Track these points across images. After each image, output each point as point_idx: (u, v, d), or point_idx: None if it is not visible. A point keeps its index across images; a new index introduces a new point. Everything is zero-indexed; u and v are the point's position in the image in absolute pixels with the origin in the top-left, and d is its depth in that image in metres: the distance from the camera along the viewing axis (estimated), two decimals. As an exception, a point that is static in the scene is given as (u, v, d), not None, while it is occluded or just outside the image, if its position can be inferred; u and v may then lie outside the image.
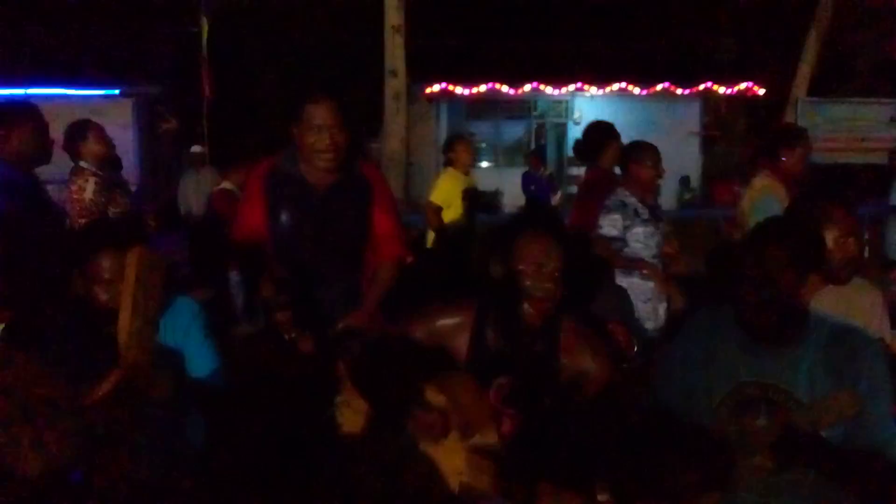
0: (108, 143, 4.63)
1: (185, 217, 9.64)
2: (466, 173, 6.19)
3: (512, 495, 1.88)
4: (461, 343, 2.23)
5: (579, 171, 16.72)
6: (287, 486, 2.30)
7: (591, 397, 2.19)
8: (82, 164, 4.41)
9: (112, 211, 4.44)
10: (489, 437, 1.95)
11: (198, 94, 12.96)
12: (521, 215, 2.53)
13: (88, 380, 1.80)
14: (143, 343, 1.84)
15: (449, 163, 6.18)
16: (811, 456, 1.83)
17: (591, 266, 3.29)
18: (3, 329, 2.42)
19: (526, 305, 2.15)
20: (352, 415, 1.99)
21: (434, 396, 1.97)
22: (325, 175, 2.91)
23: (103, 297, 2.08)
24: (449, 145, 6.29)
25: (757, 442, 1.81)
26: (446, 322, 2.24)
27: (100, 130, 4.57)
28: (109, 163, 4.85)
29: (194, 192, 9.65)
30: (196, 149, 10.14)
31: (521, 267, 2.13)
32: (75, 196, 4.30)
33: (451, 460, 1.94)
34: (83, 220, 4.12)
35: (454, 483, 1.93)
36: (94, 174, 4.36)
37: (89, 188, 4.29)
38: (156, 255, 1.92)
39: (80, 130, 4.47)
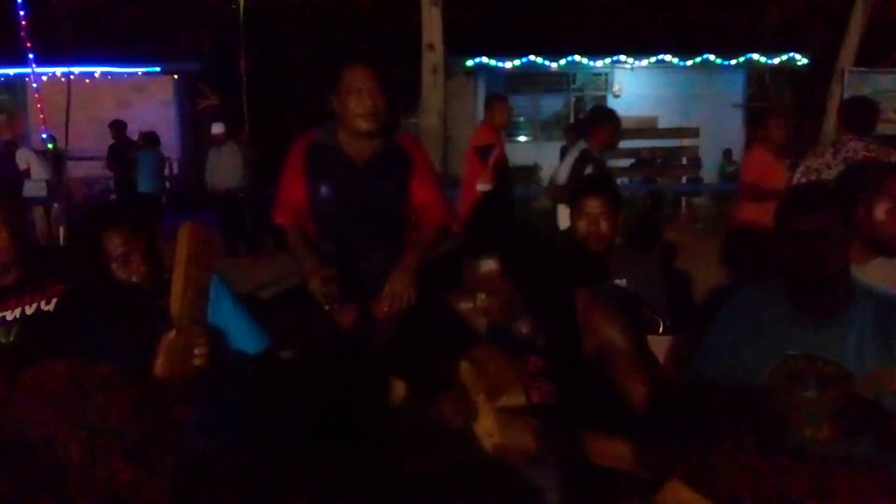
0: None
1: (210, 192, 9.93)
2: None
3: (552, 447, 1.88)
4: (481, 325, 2.26)
5: (622, 144, 16.61)
6: (329, 458, 2.34)
7: (621, 368, 2.16)
8: None
9: None
10: (516, 399, 1.96)
11: (236, 71, 13.06)
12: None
13: (145, 351, 1.85)
14: (196, 314, 1.89)
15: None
16: (875, 425, 1.81)
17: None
18: (56, 301, 2.48)
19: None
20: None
21: (464, 371, 2.01)
22: (364, 147, 2.93)
23: (119, 273, 2.21)
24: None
25: (807, 414, 1.80)
26: (466, 305, 2.27)
27: None
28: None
29: (215, 169, 9.98)
30: (216, 128, 10.26)
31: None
32: None
33: (482, 423, 1.97)
34: None
35: (487, 445, 1.95)
36: None
37: None
38: (207, 229, 1.98)
39: None
